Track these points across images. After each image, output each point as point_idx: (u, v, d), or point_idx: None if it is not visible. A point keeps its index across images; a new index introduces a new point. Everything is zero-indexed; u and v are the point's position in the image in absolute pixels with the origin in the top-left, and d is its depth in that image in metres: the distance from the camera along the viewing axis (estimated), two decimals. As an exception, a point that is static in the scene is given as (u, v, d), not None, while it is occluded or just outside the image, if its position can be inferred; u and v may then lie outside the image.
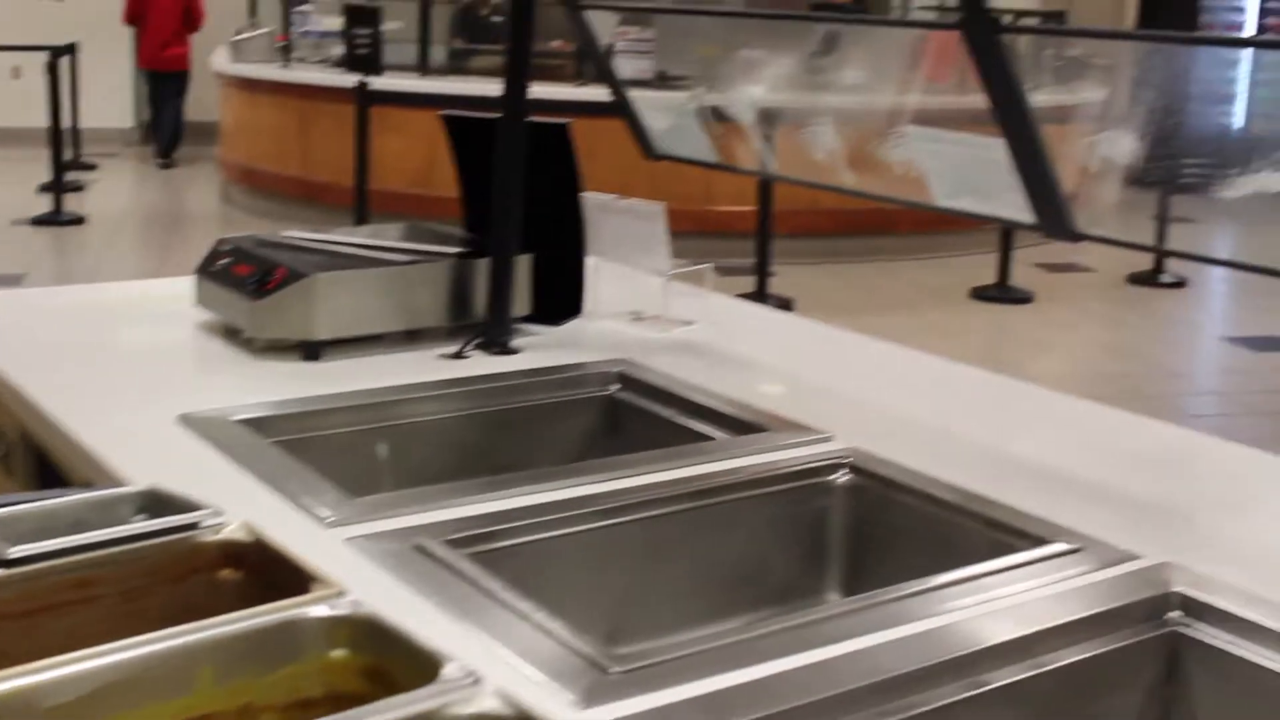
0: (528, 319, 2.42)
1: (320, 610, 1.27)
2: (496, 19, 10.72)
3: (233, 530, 1.42)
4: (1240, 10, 14.63)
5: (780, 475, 1.84)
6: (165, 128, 13.08)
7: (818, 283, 8.80)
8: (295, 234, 2.52)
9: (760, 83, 2.39)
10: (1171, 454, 2.04)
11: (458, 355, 2.30)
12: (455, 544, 1.54)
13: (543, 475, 1.78)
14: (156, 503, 1.47)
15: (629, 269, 2.61)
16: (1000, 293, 8.77)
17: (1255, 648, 1.42)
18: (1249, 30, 14.28)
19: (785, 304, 7.89)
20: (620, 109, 2.49)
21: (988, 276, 8.84)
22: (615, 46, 7.59)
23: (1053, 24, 10.48)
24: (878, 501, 1.83)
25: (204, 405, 1.99)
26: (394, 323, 2.34)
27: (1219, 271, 9.45)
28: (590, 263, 2.52)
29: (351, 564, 1.48)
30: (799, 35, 2.46)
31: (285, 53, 10.88)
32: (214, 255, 2.42)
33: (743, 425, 2.02)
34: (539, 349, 2.36)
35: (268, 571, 1.38)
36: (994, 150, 1.77)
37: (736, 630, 1.44)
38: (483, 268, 2.36)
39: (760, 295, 7.97)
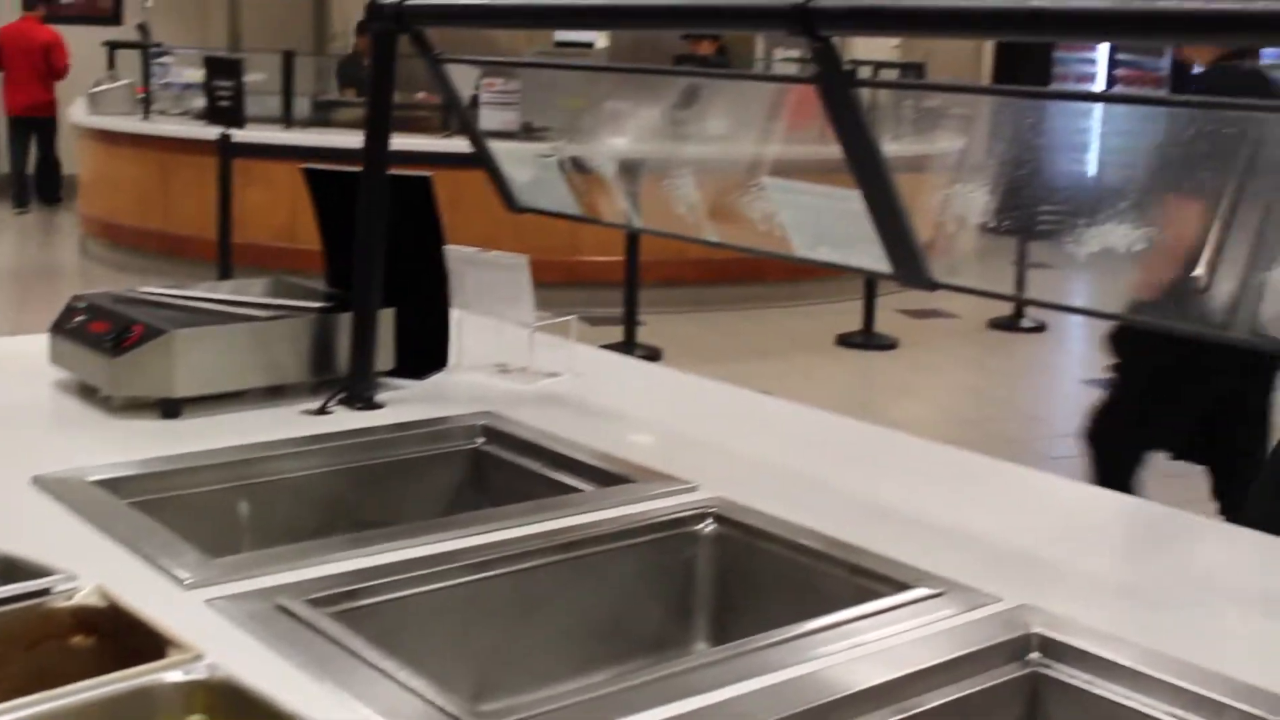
0: (391, 373, 2.41)
1: (175, 675, 1.25)
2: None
3: (86, 595, 1.38)
4: (1092, 62, 15.09)
5: (646, 526, 1.84)
6: (43, 173, 13.03)
7: (686, 331, 8.85)
8: (153, 290, 2.48)
9: (623, 135, 2.40)
10: (1031, 497, 2.08)
11: (321, 411, 2.28)
12: (317, 603, 1.52)
13: (407, 531, 1.76)
14: (7, 568, 1.43)
15: (494, 321, 2.60)
16: (865, 339, 8.89)
17: (1112, 686, 1.45)
18: (1100, 81, 14.72)
19: (653, 353, 7.92)
20: (482, 161, 2.48)
21: (853, 323, 8.96)
22: (480, 98, 7.60)
23: (911, 75, 10.70)
24: (743, 550, 1.84)
25: (59, 466, 1.94)
26: (255, 379, 2.30)
27: (1077, 315, 9.67)
28: (455, 316, 2.51)
29: (211, 626, 1.45)
30: (662, 87, 2.48)
31: (145, 105, 10.73)
32: (69, 312, 2.37)
33: (609, 477, 2.02)
34: (403, 403, 2.35)
35: (123, 637, 1.34)
36: (851, 201, 1.80)
37: (604, 683, 1.43)
38: (345, 322, 2.34)
39: (629, 345, 8.00)
